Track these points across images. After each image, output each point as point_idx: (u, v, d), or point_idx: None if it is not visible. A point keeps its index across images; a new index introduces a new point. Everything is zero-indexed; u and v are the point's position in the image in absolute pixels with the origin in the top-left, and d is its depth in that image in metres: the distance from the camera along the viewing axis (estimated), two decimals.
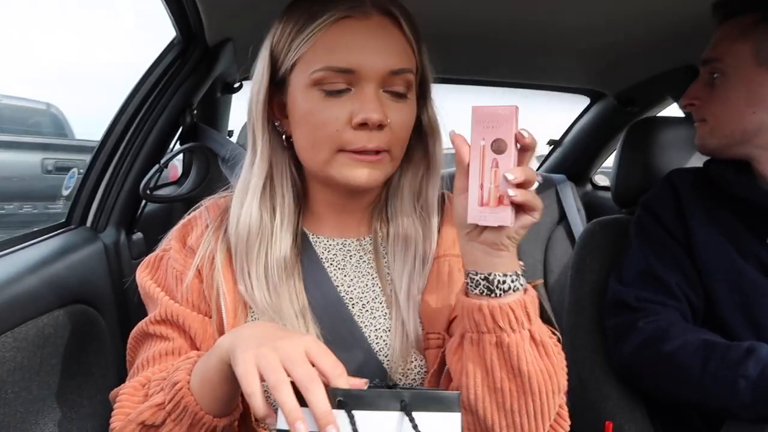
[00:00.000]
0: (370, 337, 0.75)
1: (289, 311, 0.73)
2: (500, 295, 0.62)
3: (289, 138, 0.77)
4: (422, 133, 0.79)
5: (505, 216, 0.58)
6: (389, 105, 0.71)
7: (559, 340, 1.49)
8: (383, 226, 0.81)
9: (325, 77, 0.69)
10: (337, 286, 0.77)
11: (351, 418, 0.54)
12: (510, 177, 0.57)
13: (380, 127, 0.70)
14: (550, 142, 2.38)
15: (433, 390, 0.57)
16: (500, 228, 0.60)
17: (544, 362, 0.63)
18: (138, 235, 1.41)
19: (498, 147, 0.57)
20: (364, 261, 0.80)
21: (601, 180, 2.40)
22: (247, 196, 0.75)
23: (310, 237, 0.80)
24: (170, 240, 0.80)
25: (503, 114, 0.57)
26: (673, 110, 1.81)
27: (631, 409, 1.03)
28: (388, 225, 0.80)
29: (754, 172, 1.00)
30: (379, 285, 0.78)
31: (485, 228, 0.61)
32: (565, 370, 0.68)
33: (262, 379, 0.55)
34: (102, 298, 1.19)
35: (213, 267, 0.75)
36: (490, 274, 0.62)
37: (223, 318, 0.74)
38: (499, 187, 0.58)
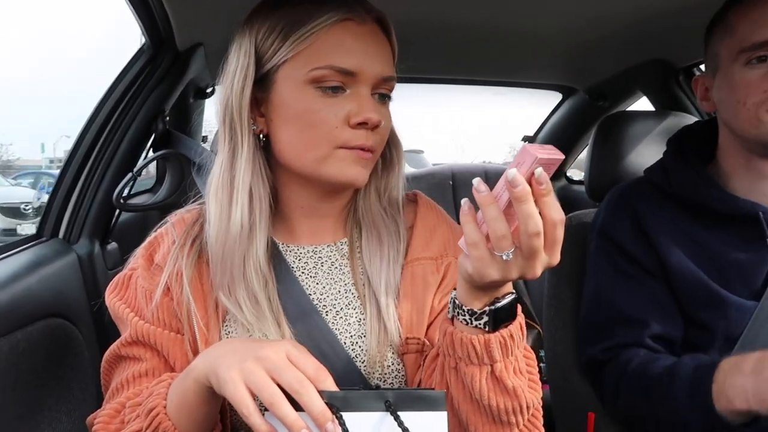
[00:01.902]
0: (345, 343, 0.75)
1: (268, 319, 0.73)
2: (458, 325, 0.62)
3: (264, 137, 0.75)
4: None
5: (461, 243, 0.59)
6: (378, 108, 0.73)
7: (539, 334, 1.50)
8: (357, 227, 0.82)
9: (325, 75, 0.70)
10: (310, 294, 0.77)
11: (339, 419, 0.54)
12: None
13: (377, 127, 0.72)
14: (525, 138, 2.41)
15: (418, 389, 0.57)
16: (464, 257, 0.59)
17: (503, 398, 0.62)
18: (113, 245, 1.39)
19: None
20: (336, 267, 0.79)
21: (576, 174, 2.44)
22: (232, 198, 0.73)
23: (280, 246, 0.79)
24: (137, 258, 0.79)
25: (549, 157, 0.53)
26: (643, 104, 1.84)
27: None
28: (361, 225, 0.81)
29: (721, 177, 0.97)
30: (353, 290, 0.78)
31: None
32: (537, 384, 0.67)
33: (254, 395, 0.55)
34: (77, 311, 1.16)
35: (182, 283, 0.74)
36: (454, 301, 0.62)
37: (196, 334, 0.73)
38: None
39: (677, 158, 1.01)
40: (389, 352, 0.74)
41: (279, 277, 0.76)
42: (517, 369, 0.63)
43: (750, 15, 0.90)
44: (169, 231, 0.79)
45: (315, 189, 0.77)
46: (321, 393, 0.55)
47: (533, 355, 0.69)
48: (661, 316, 0.95)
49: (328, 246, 0.81)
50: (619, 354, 0.94)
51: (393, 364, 0.74)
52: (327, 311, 0.76)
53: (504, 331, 0.60)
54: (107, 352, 0.76)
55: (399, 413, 0.55)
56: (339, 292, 0.78)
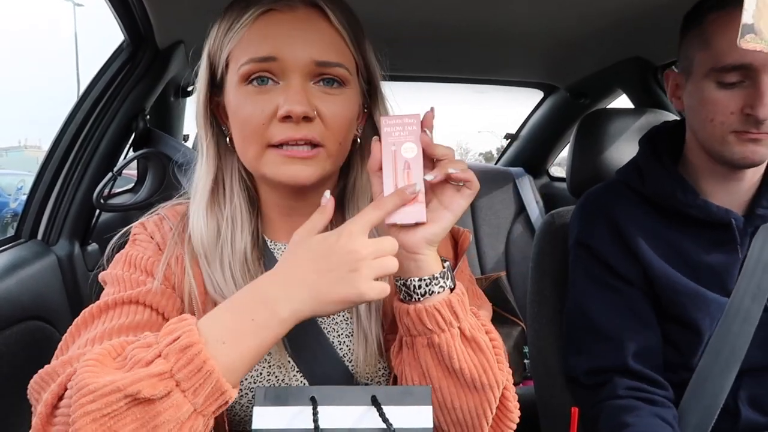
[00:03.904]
0: (334, 342, 0.75)
1: None
2: (419, 299, 0.64)
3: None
4: (377, 131, 0.79)
5: (418, 213, 0.63)
6: (320, 97, 0.69)
7: (523, 331, 1.52)
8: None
9: (250, 70, 0.69)
10: None
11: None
12: (429, 178, 0.63)
13: (307, 119, 0.68)
14: (507, 136, 2.42)
15: (404, 386, 0.58)
16: (416, 229, 0.63)
17: (478, 357, 0.65)
18: (93, 246, 1.37)
19: (408, 151, 0.64)
20: None
21: (557, 171, 2.46)
22: (201, 202, 0.74)
23: (269, 243, 0.79)
24: (135, 234, 0.76)
25: (409, 121, 0.64)
26: (623, 101, 1.86)
27: None
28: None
29: (691, 175, 0.97)
30: None
31: (401, 230, 0.64)
32: (504, 364, 0.69)
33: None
34: (58, 314, 1.15)
35: (183, 265, 0.73)
36: (407, 280, 0.64)
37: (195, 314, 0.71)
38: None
39: (651, 160, 1.00)
40: (375, 350, 0.74)
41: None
42: (477, 326, 0.67)
43: (728, 30, 0.84)
44: (163, 220, 0.78)
45: (279, 189, 0.75)
46: (311, 388, 0.55)
47: (498, 336, 0.70)
48: (640, 327, 0.95)
49: None
50: (599, 387, 0.95)
51: (379, 363, 0.75)
52: None
53: (457, 289, 0.65)
54: (82, 314, 0.68)
55: (385, 407, 0.56)
56: None
